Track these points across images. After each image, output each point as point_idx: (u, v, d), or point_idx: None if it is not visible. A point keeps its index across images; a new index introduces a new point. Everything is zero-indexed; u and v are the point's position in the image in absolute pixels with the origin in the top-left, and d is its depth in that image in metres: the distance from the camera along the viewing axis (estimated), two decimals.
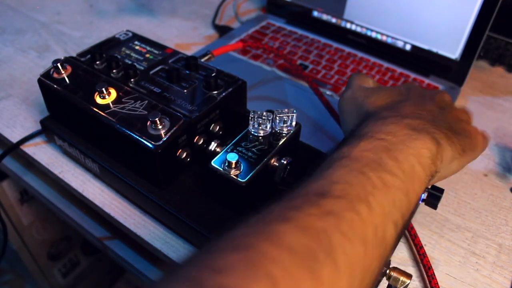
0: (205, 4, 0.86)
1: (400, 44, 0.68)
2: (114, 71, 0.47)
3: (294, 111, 0.42)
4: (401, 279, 0.34)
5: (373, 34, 0.70)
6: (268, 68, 0.68)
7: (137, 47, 0.52)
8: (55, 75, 0.47)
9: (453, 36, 0.63)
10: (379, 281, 0.35)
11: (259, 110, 0.42)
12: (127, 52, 0.51)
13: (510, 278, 0.42)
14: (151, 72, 0.48)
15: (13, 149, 0.53)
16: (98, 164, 0.46)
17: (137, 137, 0.40)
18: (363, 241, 0.26)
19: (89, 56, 0.49)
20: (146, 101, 0.43)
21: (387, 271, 0.34)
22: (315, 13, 0.75)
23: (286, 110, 0.42)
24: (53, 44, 0.73)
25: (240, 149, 0.41)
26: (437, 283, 0.40)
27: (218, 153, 0.41)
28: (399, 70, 0.68)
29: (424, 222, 0.47)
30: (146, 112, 0.42)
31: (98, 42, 0.53)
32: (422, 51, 0.66)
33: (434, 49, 0.65)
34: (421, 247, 0.42)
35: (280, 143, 0.42)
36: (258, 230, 0.25)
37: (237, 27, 0.78)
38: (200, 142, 0.43)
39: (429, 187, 0.40)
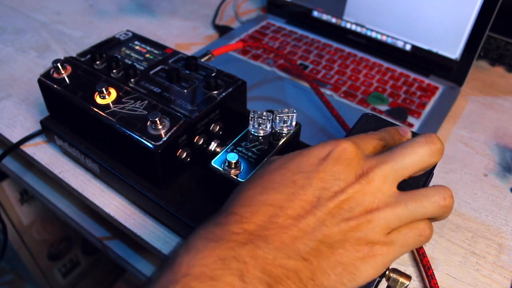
0: (205, 4, 0.86)
1: (400, 44, 0.68)
2: (114, 71, 0.47)
3: (294, 111, 0.42)
4: (400, 280, 0.34)
5: (373, 34, 0.70)
6: (268, 68, 0.68)
7: (137, 47, 0.52)
8: (55, 75, 0.47)
9: (453, 36, 0.63)
10: (378, 282, 0.34)
11: (259, 110, 0.42)
12: (127, 52, 0.51)
13: (510, 278, 0.42)
14: (151, 72, 0.48)
15: (13, 149, 0.53)
16: (98, 164, 0.46)
17: (137, 137, 0.40)
18: None
19: (89, 56, 0.49)
20: (146, 101, 0.43)
21: (386, 272, 0.34)
22: (315, 13, 0.75)
23: (286, 110, 0.42)
24: (53, 44, 0.73)
25: (240, 149, 0.41)
26: (437, 283, 0.40)
27: (218, 153, 0.41)
28: (399, 70, 0.68)
29: None
30: (146, 112, 0.42)
31: (98, 42, 0.53)
32: (422, 51, 0.66)
33: (434, 49, 0.65)
34: (421, 247, 0.42)
35: (280, 143, 0.42)
36: None
37: (237, 27, 0.78)
38: (200, 142, 0.43)
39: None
